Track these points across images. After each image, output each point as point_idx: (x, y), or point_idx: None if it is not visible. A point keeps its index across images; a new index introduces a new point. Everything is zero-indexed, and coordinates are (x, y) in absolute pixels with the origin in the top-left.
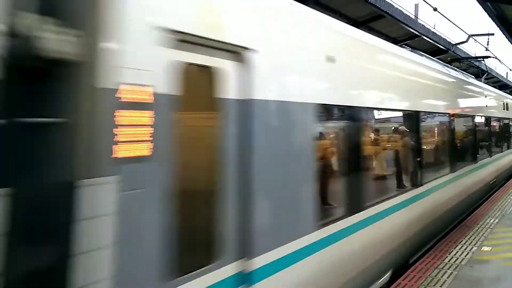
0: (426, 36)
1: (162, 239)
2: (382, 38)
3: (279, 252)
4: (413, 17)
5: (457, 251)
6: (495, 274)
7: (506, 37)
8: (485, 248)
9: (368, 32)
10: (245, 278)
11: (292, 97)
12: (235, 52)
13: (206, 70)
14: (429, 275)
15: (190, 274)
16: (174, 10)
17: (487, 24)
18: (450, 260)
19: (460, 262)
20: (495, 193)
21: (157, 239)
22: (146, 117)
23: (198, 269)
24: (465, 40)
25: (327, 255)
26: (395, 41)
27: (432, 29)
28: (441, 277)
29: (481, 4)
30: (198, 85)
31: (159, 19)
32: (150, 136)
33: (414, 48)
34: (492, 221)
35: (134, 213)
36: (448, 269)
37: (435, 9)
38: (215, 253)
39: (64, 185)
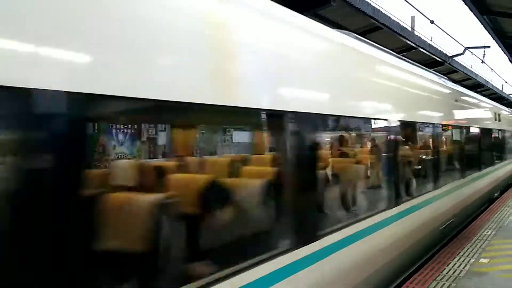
0: (422, 48)
1: None
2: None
3: None
4: (410, 29)
5: (455, 263)
6: (493, 286)
7: (502, 50)
8: (483, 260)
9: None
10: None
11: None
12: None
13: None
14: (427, 286)
15: None
16: None
17: (483, 37)
18: (448, 272)
19: (459, 274)
20: (492, 205)
21: None
22: None
23: None
24: (461, 52)
25: None
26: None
27: (429, 41)
28: None
29: (477, 17)
30: None
31: None
32: None
33: (411, 59)
34: (489, 232)
35: None
36: (446, 281)
37: (432, 22)
38: None
39: None
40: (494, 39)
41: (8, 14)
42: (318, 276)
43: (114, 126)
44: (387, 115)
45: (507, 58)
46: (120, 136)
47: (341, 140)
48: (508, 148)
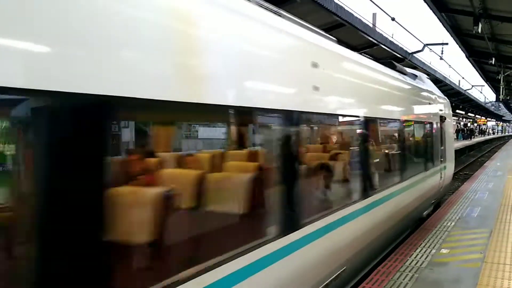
0: (384, 45)
1: None
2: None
3: None
4: (372, 26)
5: (417, 254)
6: (454, 276)
7: (460, 47)
8: (444, 251)
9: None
10: None
11: None
12: None
13: None
14: (391, 278)
15: None
16: None
17: (442, 34)
18: (411, 263)
19: (421, 265)
20: (451, 197)
21: None
22: None
23: None
24: (421, 49)
25: None
26: (355, 49)
27: (390, 38)
28: (403, 280)
29: (436, 14)
30: None
31: None
32: None
33: (372, 56)
34: (449, 224)
35: None
36: (409, 271)
37: (393, 19)
38: None
39: None
40: (452, 36)
41: None
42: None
43: None
44: None
45: (464, 54)
46: None
47: None
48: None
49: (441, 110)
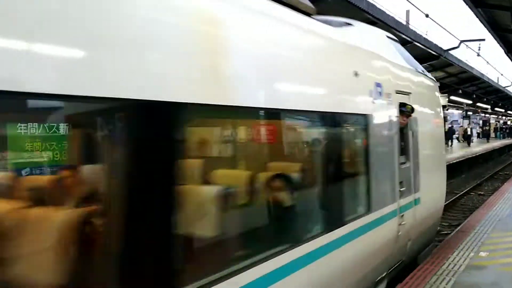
0: (418, 42)
1: None
2: None
3: None
4: (405, 23)
5: (455, 257)
6: (493, 280)
7: (498, 42)
8: (482, 254)
9: None
10: None
11: None
12: None
13: None
14: (428, 281)
15: None
16: None
17: (479, 29)
18: (448, 266)
19: (458, 268)
20: (490, 198)
21: None
22: None
23: None
24: (456, 46)
25: None
26: None
27: (424, 35)
28: (440, 284)
29: (472, 10)
30: None
31: None
32: None
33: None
34: (488, 226)
35: None
36: (446, 275)
37: (426, 16)
38: None
39: None
40: (489, 31)
41: None
42: None
43: None
44: None
45: (502, 50)
46: None
47: None
48: None
49: (405, 92)
